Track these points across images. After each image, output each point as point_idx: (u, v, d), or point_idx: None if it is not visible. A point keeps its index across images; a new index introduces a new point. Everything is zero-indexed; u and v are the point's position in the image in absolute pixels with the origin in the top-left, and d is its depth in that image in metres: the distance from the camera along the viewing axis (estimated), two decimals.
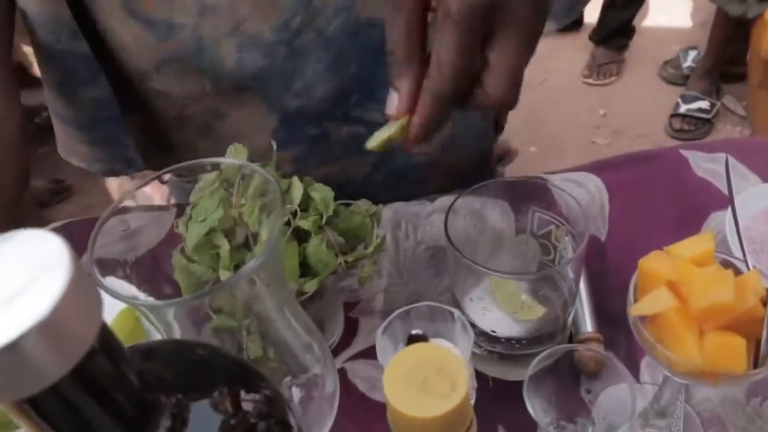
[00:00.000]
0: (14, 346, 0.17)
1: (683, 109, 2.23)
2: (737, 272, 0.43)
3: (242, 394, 0.28)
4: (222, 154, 0.52)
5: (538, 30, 0.41)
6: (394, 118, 0.42)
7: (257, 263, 0.32)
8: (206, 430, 0.26)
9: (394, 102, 0.42)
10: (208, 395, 0.27)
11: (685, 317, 0.40)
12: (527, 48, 0.41)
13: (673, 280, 0.41)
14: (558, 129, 2.27)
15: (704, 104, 2.22)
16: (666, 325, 0.41)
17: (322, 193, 0.52)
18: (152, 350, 0.29)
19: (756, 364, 0.41)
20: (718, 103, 2.25)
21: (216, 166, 0.37)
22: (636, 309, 0.42)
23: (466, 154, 0.79)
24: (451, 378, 0.28)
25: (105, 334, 0.21)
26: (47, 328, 0.18)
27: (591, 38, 2.57)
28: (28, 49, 1.76)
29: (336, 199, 0.53)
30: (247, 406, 0.28)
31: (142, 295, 0.42)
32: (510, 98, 0.42)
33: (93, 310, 0.20)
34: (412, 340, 0.44)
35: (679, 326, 0.40)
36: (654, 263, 0.43)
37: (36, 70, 1.97)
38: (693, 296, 0.40)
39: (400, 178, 0.77)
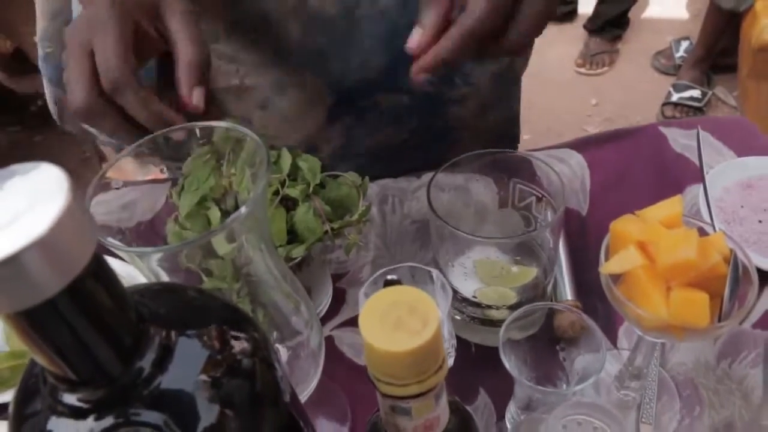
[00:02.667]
0: (13, 260, 0.19)
1: (675, 97, 2.25)
2: (704, 234, 0.45)
3: (230, 333, 0.30)
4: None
5: None
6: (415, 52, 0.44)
7: (240, 215, 0.34)
8: (192, 362, 0.28)
9: (416, 36, 0.44)
10: (197, 331, 0.29)
11: (653, 275, 0.42)
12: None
13: (642, 241, 0.43)
14: (551, 117, 2.29)
15: (696, 93, 2.24)
16: (635, 283, 0.43)
17: (309, 163, 0.54)
18: (148, 289, 0.31)
19: (721, 319, 0.43)
20: (710, 92, 2.28)
21: (206, 130, 0.39)
22: (606, 267, 0.44)
23: (498, 118, 0.81)
24: (422, 316, 0.29)
25: (98, 260, 0.23)
26: (44, 246, 0.20)
27: (585, 28, 2.59)
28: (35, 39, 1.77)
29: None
30: (234, 344, 0.30)
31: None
32: (523, 46, 0.44)
33: (87, 235, 0.22)
34: (387, 284, 0.46)
35: (647, 283, 0.42)
36: (624, 225, 0.45)
37: (35, 59, 1.95)
38: (660, 255, 0.42)
39: (434, 142, 0.79)
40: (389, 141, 0.77)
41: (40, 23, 0.67)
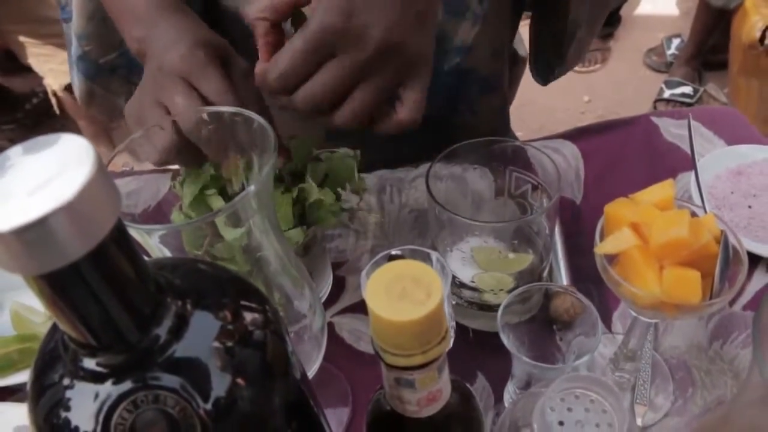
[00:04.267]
0: (42, 223, 0.20)
1: (667, 94, 2.28)
2: (695, 216, 0.46)
3: (243, 305, 0.31)
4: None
5: (370, 64, 0.44)
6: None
7: (249, 194, 0.35)
8: (206, 331, 0.29)
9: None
10: (211, 302, 0.30)
11: (646, 254, 0.43)
12: (343, 79, 0.45)
13: (635, 222, 0.45)
14: (544, 114, 2.31)
15: (687, 89, 2.27)
16: (629, 263, 0.44)
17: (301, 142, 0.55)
18: (165, 262, 0.32)
19: (712, 298, 0.44)
20: (701, 89, 2.30)
21: (214, 114, 0.40)
22: (601, 247, 0.45)
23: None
24: (426, 287, 0.30)
25: (120, 227, 0.24)
26: (71, 210, 0.21)
27: None
28: (22, 38, 1.77)
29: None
30: (246, 316, 0.31)
31: None
32: (304, 110, 0.46)
33: (111, 203, 0.23)
34: (392, 259, 0.47)
35: (641, 263, 0.43)
36: (618, 208, 0.46)
37: (27, 59, 1.93)
38: (653, 234, 0.43)
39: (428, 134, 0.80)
40: (395, 158, 0.78)
41: (78, 22, 0.69)
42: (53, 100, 1.93)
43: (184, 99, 0.45)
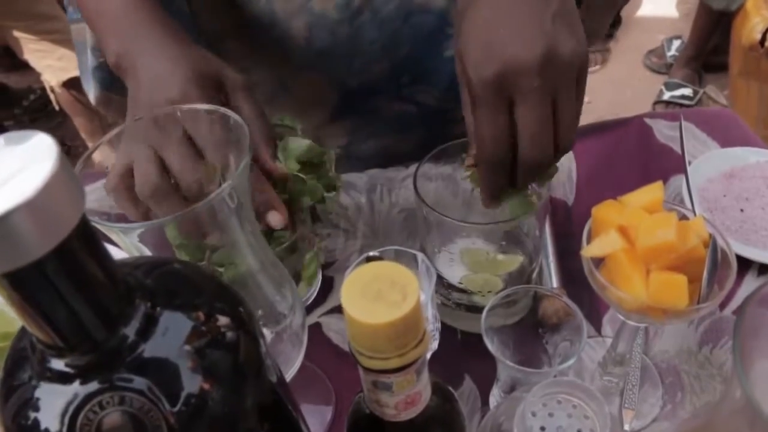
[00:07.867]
0: (2, 220, 0.20)
1: (667, 95, 2.27)
2: (684, 219, 0.46)
3: (215, 306, 0.31)
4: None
5: (548, 92, 0.44)
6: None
7: (224, 191, 0.35)
8: (176, 332, 0.28)
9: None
10: (182, 302, 0.29)
11: (633, 257, 0.43)
12: (543, 109, 0.44)
13: (622, 225, 0.44)
14: None
15: (687, 91, 2.26)
16: (616, 266, 0.44)
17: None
18: (136, 262, 0.31)
19: (699, 302, 0.44)
20: (701, 91, 2.30)
21: (189, 113, 0.39)
22: (587, 250, 0.44)
23: None
24: (402, 289, 0.30)
25: (86, 224, 0.23)
26: (32, 207, 0.20)
27: None
28: (18, 34, 1.77)
29: None
30: (219, 317, 0.30)
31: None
32: (539, 157, 0.45)
33: (75, 200, 0.22)
34: (370, 260, 0.47)
35: (627, 266, 0.43)
36: (606, 210, 0.46)
37: (23, 54, 1.93)
38: (639, 237, 0.43)
39: None
40: (394, 149, 0.79)
41: (92, 35, 0.70)
42: (51, 97, 1.93)
43: (183, 162, 0.42)
